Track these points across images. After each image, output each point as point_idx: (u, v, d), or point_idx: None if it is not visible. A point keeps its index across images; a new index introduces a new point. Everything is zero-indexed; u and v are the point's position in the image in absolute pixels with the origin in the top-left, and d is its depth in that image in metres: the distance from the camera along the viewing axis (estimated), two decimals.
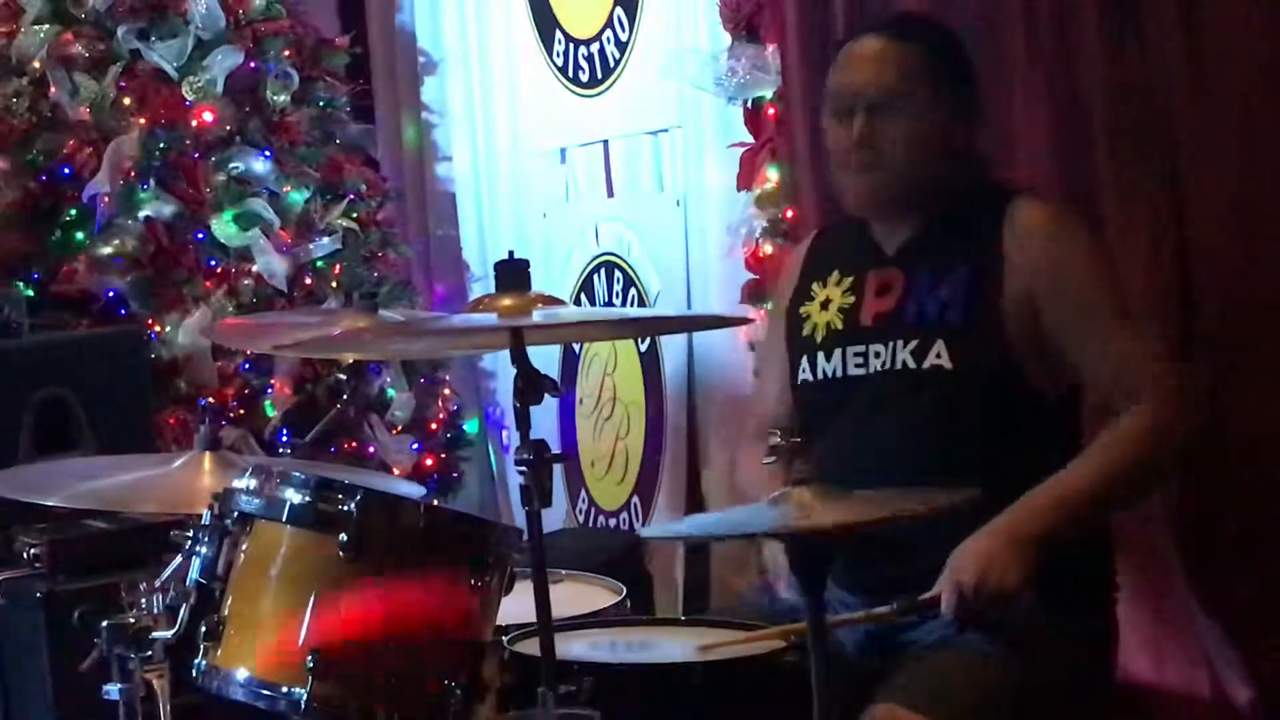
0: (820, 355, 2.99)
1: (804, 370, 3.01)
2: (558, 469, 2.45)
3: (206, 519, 2.54)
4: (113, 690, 2.68)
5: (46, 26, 4.90)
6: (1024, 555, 2.69)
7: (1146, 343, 2.88)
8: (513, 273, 2.60)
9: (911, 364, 2.88)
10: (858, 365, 2.95)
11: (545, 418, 5.02)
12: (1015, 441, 2.82)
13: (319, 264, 5.03)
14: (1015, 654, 2.72)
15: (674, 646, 2.76)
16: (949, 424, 2.83)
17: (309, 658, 2.38)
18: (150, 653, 2.67)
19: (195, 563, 2.55)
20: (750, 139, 4.37)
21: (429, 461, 5.22)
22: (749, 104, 4.36)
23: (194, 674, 2.50)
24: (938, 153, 2.93)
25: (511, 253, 2.69)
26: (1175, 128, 3.37)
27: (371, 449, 5.05)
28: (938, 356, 2.86)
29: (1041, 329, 2.83)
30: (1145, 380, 2.80)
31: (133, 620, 2.66)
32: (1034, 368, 2.84)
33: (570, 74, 5.13)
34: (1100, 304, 2.85)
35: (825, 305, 3.03)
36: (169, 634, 2.64)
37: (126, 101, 4.87)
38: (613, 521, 5.04)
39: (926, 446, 2.82)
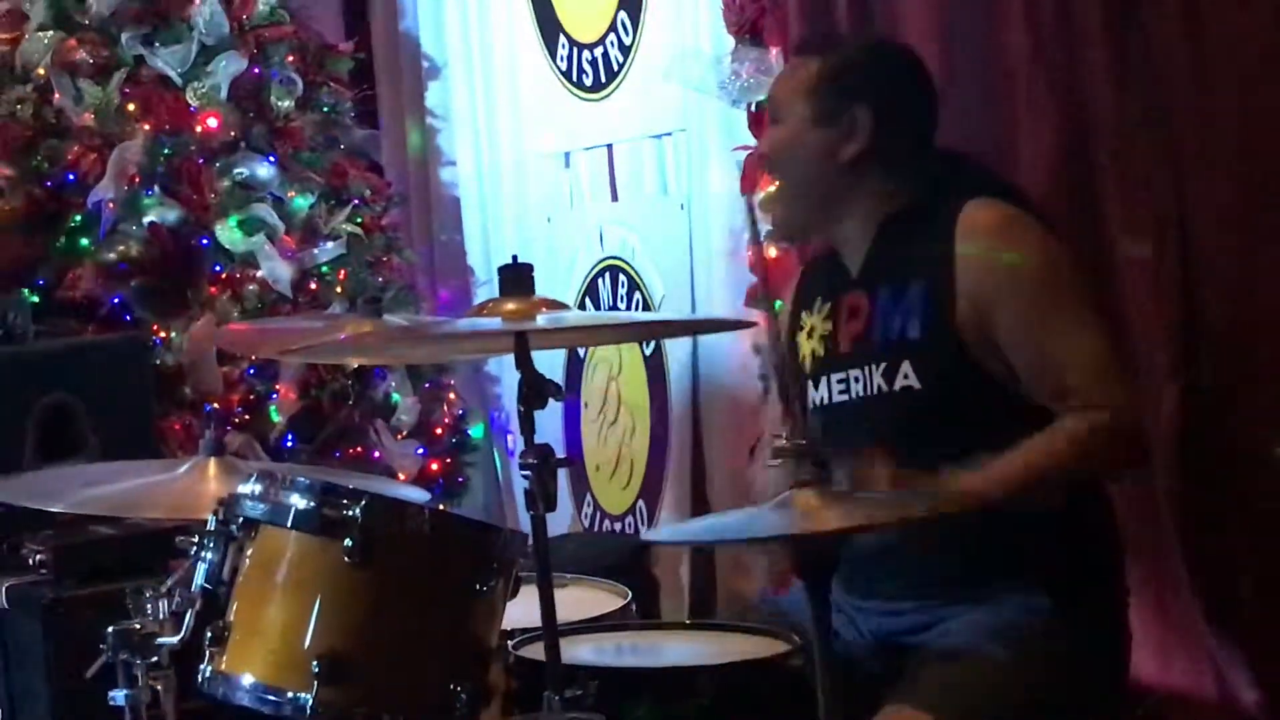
0: (810, 385, 3.00)
1: (808, 398, 3.01)
2: (563, 473, 2.45)
3: (212, 524, 2.54)
4: (118, 696, 2.68)
5: (50, 33, 4.91)
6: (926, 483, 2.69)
7: (1096, 347, 2.81)
8: (516, 277, 2.60)
9: (884, 387, 2.87)
10: (841, 392, 2.94)
11: (550, 422, 5.02)
12: (999, 445, 2.79)
13: (323, 269, 5.03)
14: (1027, 658, 2.72)
15: (680, 651, 2.76)
16: (920, 443, 2.80)
17: (314, 663, 2.38)
18: (156, 658, 2.67)
19: (200, 568, 2.55)
20: (754, 142, 4.37)
21: (434, 466, 5.22)
22: (753, 107, 4.35)
23: (199, 680, 2.50)
24: (822, 169, 2.95)
25: (515, 257, 2.69)
26: (1178, 124, 3.37)
27: (376, 454, 5.05)
28: (905, 377, 2.85)
29: (995, 338, 2.81)
30: (1090, 386, 2.77)
31: (138, 626, 2.66)
32: (1003, 372, 2.82)
33: (574, 78, 5.13)
34: (1047, 311, 2.80)
35: (810, 334, 3.04)
36: (174, 639, 2.64)
37: (131, 107, 4.88)
38: (618, 526, 5.04)
39: (907, 465, 2.79)
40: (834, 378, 2.95)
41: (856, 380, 2.91)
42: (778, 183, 3.02)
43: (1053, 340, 2.79)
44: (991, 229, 2.85)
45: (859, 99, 2.93)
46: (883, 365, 2.87)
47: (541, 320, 2.50)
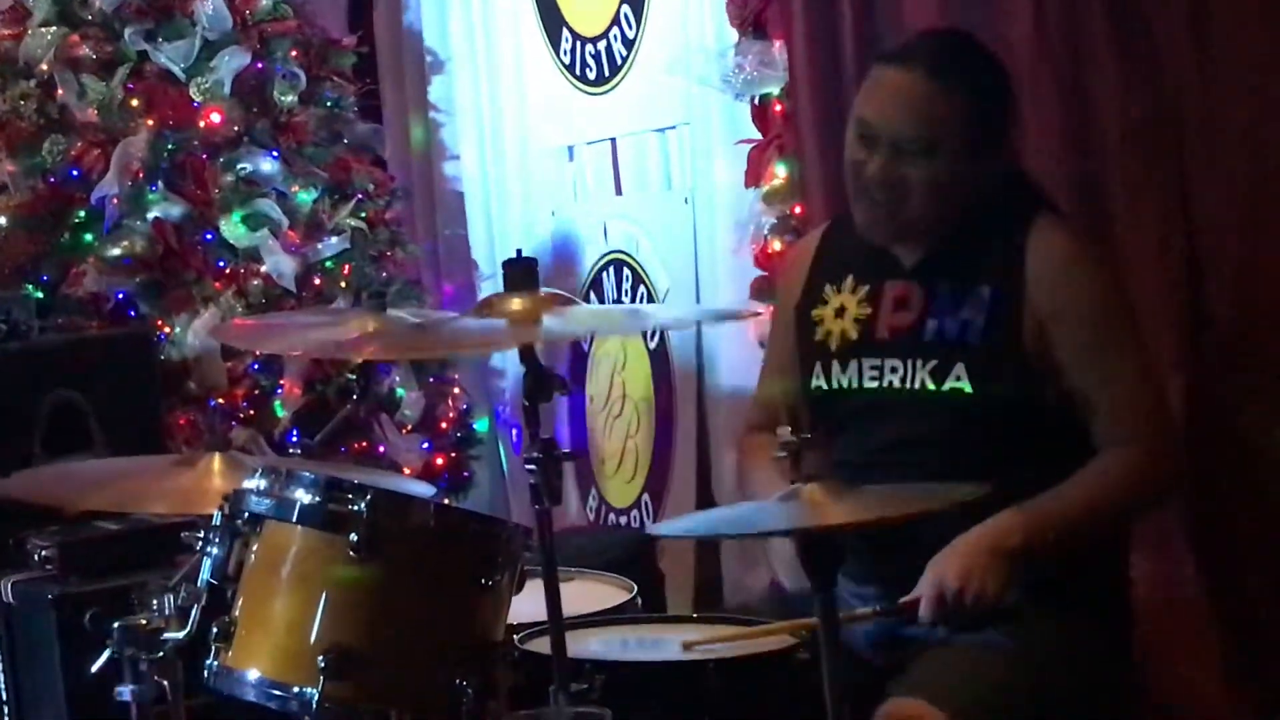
0: (835, 364, 2.97)
1: (817, 376, 2.99)
2: (568, 467, 2.45)
3: (217, 520, 2.54)
4: (124, 691, 2.68)
5: (53, 29, 4.90)
6: (1003, 566, 2.71)
7: (1146, 386, 2.86)
8: (521, 271, 2.60)
9: (931, 385, 2.86)
10: (872, 379, 2.93)
11: (555, 416, 5.03)
12: (1033, 459, 2.80)
13: (327, 264, 5.03)
14: (1031, 649, 2.72)
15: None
16: (964, 446, 2.81)
17: (320, 658, 2.38)
18: (162, 654, 2.67)
19: (206, 563, 2.55)
20: (758, 135, 4.37)
21: (439, 461, 5.22)
22: (756, 100, 4.36)
23: (205, 675, 2.50)
24: (962, 193, 2.89)
25: (519, 251, 2.68)
26: (1184, 125, 3.36)
27: (381, 449, 5.05)
28: (957, 379, 2.84)
29: (1053, 356, 2.82)
30: (1139, 425, 2.81)
31: (144, 621, 2.65)
32: (1052, 389, 2.83)
33: (577, 72, 5.13)
34: (1107, 342, 2.83)
35: (840, 313, 2.99)
36: (180, 635, 2.63)
37: (134, 103, 4.88)
38: (623, 519, 5.04)
39: (941, 466, 2.80)
40: (867, 363, 2.93)
41: (894, 371, 2.90)
42: (891, 207, 2.86)
43: (1109, 372, 2.82)
44: (1068, 252, 2.87)
45: (1004, 115, 2.92)
46: (932, 363, 2.86)
47: (547, 321, 2.49)
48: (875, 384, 2.92)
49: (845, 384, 2.95)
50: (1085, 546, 2.80)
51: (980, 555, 2.70)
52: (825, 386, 2.97)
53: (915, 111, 2.84)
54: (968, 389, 2.83)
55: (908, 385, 2.88)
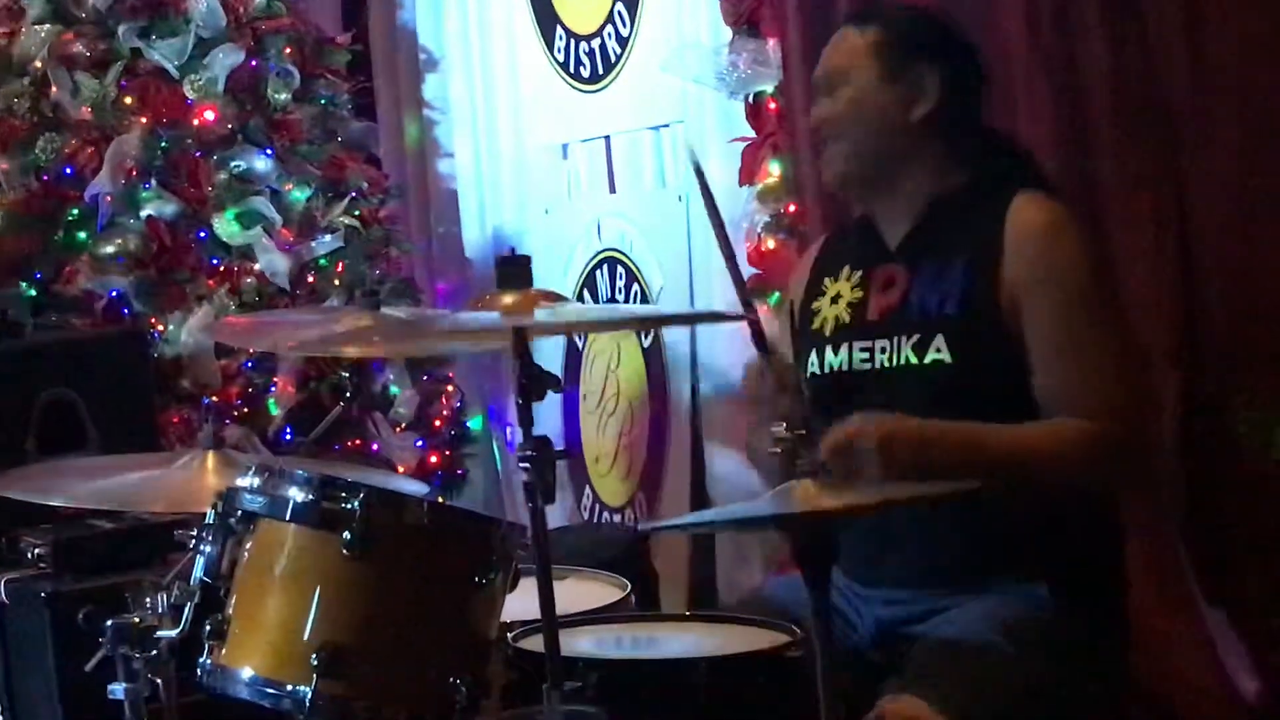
0: (828, 349, 2.99)
1: (812, 363, 3.00)
2: (562, 465, 2.45)
3: (210, 518, 2.54)
4: (118, 690, 2.68)
5: (47, 26, 4.90)
6: (907, 460, 2.68)
7: (1111, 364, 2.81)
8: (515, 269, 2.60)
9: (914, 359, 2.87)
10: (863, 360, 2.94)
11: (549, 414, 5.02)
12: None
13: (321, 262, 5.03)
14: (1027, 647, 2.72)
15: (680, 642, 2.76)
16: (949, 417, 2.81)
17: (314, 656, 2.38)
18: (155, 652, 2.66)
19: (199, 561, 2.54)
20: (752, 134, 4.37)
21: (433, 459, 5.22)
22: (750, 99, 4.36)
23: (199, 673, 2.50)
24: (892, 127, 2.94)
25: (513, 249, 2.68)
26: (1176, 118, 3.37)
27: (375, 447, 5.05)
28: (938, 350, 2.85)
29: (1021, 327, 2.82)
30: (1101, 404, 2.77)
31: (137, 620, 2.65)
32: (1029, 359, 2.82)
33: (571, 70, 5.12)
34: (1073, 315, 2.81)
35: (835, 300, 3.02)
36: (174, 633, 2.63)
37: (128, 101, 4.88)
38: (617, 517, 5.04)
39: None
40: (857, 345, 2.95)
41: (883, 350, 2.91)
42: (837, 140, 2.99)
43: (1071, 345, 2.79)
44: (1044, 224, 2.86)
45: (927, 58, 2.95)
46: (915, 338, 2.87)
47: (540, 315, 2.50)
48: (866, 365, 2.93)
49: (837, 365, 2.96)
50: (1000, 484, 2.75)
51: (903, 440, 2.69)
52: (819, 370, 2.98)
53: (834, 52, 3.04)
54: (948, 359, 2.83)
55: (894, 362, 2.89)
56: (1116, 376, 2.81)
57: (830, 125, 3.01)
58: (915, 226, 2.96)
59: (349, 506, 2.42)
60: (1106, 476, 2.88)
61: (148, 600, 2.67)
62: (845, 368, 2.96)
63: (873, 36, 2.98)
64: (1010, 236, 2.84)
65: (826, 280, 3.07)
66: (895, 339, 2.90)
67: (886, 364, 2.91)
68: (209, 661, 2.48)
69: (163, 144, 4.85)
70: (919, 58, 2.96)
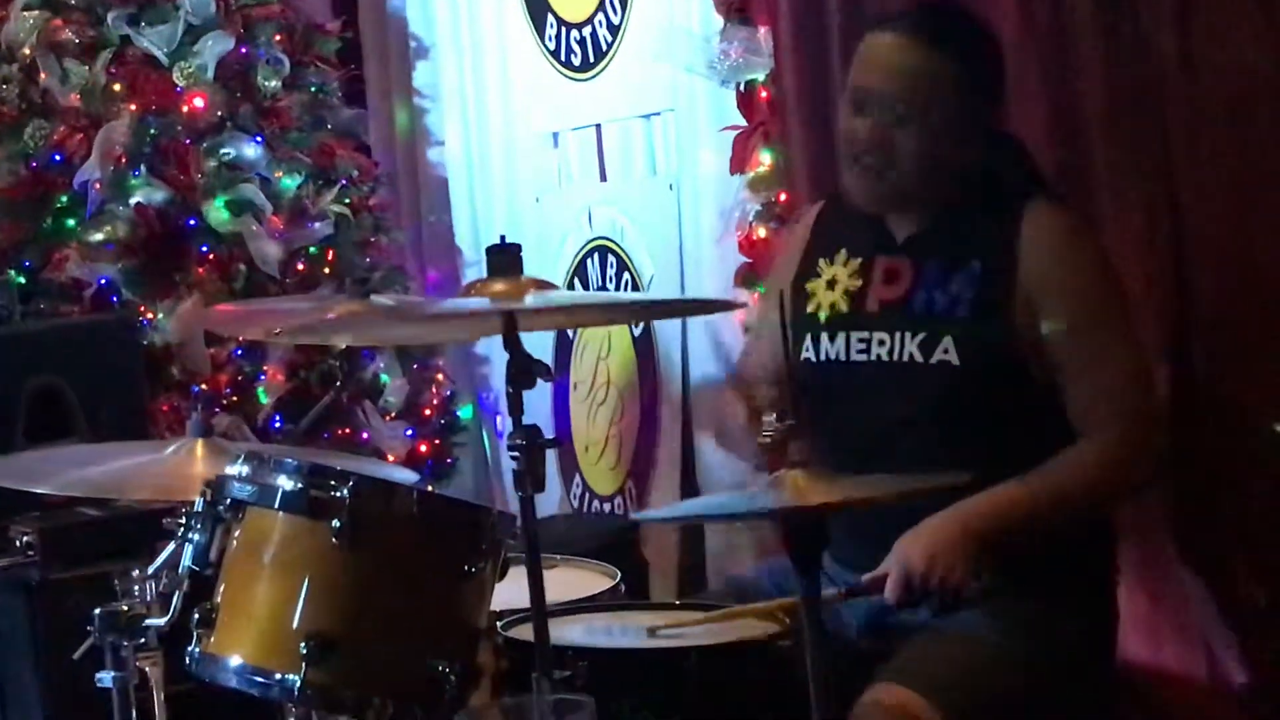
0: (824, 336, 2.97)
1: (806, 349, 2.99)
2: (552, 454, 2.44)
3: (199, 506, 2.54)
4: (106, 678, 2.67)
5: (36, 13, 4.89)
6: (970, 550, 2.70)
7: (1130, 373, 2.84)
8: (505, 257, 2.59)
9: (919, 357, 2.86)
10: (860, 351, 2.93)
11: (539, 403, 5.02)
12: (1018, 436, 2.81)
13: (311, 250, 5.02)
14: (1015, 638, 2.72)
15: (669, 631, 2.75)
16: (952, 419, 2.81)
17: (303, 644, 2.37)
18: (144, 640, 2.67)
19: (188, 550, 2.54)
20: (743, 122, 4.36)
21: (423, 447, 5.22)
22: (742, 87, 4.35)
23: (187, 661, 2.50)
24: (951, 161, 2.89)
25: (503, 237, 2.68)
26: (1169, 112, 3.36)
27: (365, 435, 5.04)
28: (945, 352, 2.84)
29: (1039, 335, 2.82)
30: (1116, 414, 2.79)
31: (126, 608, 2.65)
32: (1038, 366, 2.82)
33: (562, 58, 5.11)
34: (1093, 325, 2.82)
35: (831, 285, 3.00)
36: (162, 621, 2.63)
37: (117, 88, 4.86)
38: (607, 506, 5.04)
39: (928, 439, 2.81)
40: (854, 335, 2.93)
41: (882, 344, 2.90)
42: (883, 174, 2.87)
43: (1091, 352, 2.81)
44: (1062, 232, 2.86)
45: (996, 85, 2.96)
46: (920, 336, 2.86)
47: (529, 301, 2.49)
48: (864, 357, 2.92)
49: (834, 355, 2.95)
50: (1056, 533, 2.79)
51: (947, 538, 2.70)
52: (814, 359, 2.97)
53: (905, 73, 2.87)
54: (955, 362, 2.83)
55: (896, 358, 2.88)
56: (1136, 387, 2.85)
57: (888, 159, 2.88)
58: (927, 224, 2.94)
59: (338, 495, 2.42)
60: (1136, 487, 2.92)
61: (136, 588, 2.67)
62: (842, 357, 2.95)
63: (950, 62, 2.86)
64: (1026, 244, 2.83)
65: (821, 262, 3.04)
66: (898, 334, 2.89)
67: (886, 358, 2.90)
68: (197, 650, 2.48)
69: (152, 131, 4.84)
70: (996, 83, 2.95)
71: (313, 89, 5.18)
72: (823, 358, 2.97)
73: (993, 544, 2.72)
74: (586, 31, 5.01)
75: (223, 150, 4.90)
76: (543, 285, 2.62)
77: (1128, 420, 2.80)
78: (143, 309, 4.78)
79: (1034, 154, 3.11)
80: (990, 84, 2.95)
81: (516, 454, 2.39)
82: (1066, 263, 2.84)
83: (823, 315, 2.99)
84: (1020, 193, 2.90)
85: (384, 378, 5.15)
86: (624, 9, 4.85)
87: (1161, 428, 2.94)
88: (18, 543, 3.78)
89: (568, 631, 2.68)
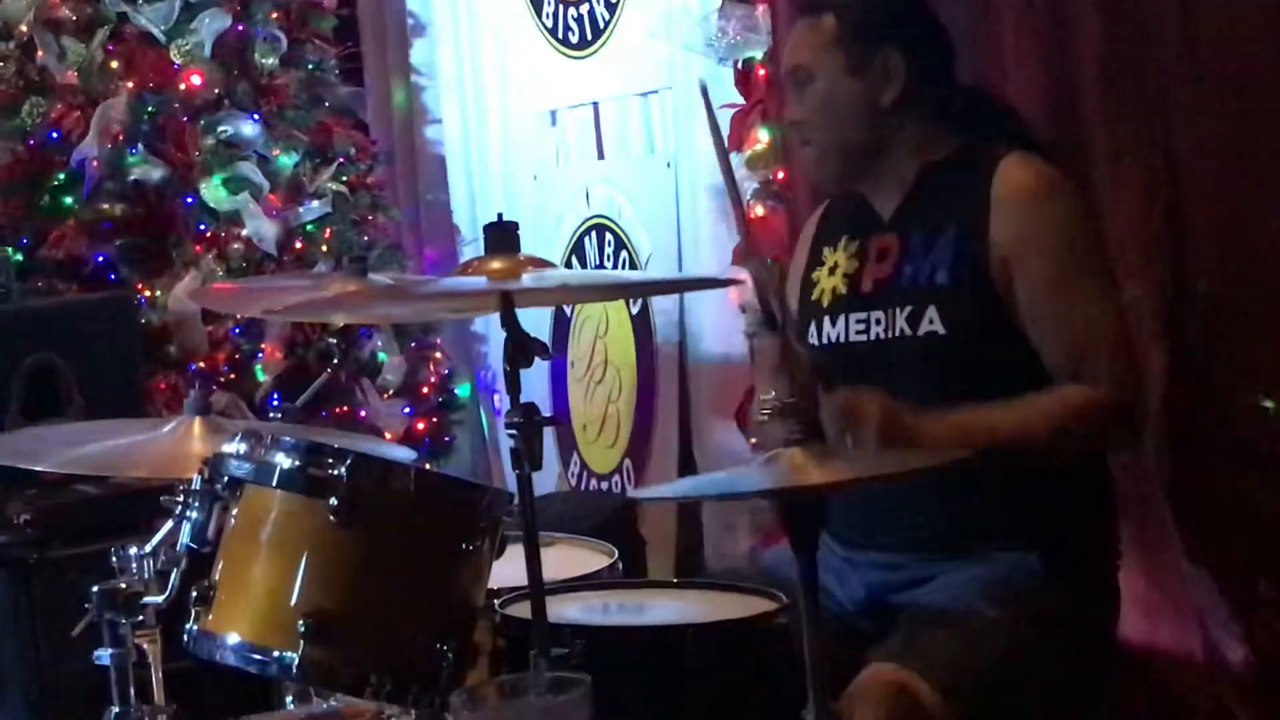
0: (826, 320, 2.98)
1: (811, 334, 3.00)
2: (549, 432, 2.44)
3: (197, 484, 2.53)
4: (103, 655, 2.67)
5: None
6: (897, 426, 2.66)
7: (1107, 323, 2.80)
8: (502, 235, 2.59)
9: (909, 331, 2.86)
10: (859, 332, 2.93)
11: (536, 381, 5.02)
12: (1014, 397, 2.79)
13: (309, 228, 5.02)
14: (1015, 617, 2.72)
15: (666, 610, 2.76)
16: (947, 388, 2.80)
17: (300, 622, 2.37)
18: (141, 618, 2.66)
19: (186, 528, 2.54)
20: (741, 100, 4.36)
21: (420, 426, 5.22)
22: (739, 65, 4.34)
23: (185, 639, 2.50)
24: (864, 118, 2.92)
25: (501, 215, 2.67)
26: (1166, 84, 3.36)
27: (362, 413, 5.04)
28: (930, 322, 2.84)
29: (1012, 292, 2.81)
30: (1096, 363, 2.77)
31: (123, 585, 2.65)
32: (1024, 323, 2.81)
33: (560, 35, 5.11)
34: (1068, 277, 2.80)
35: (833, 271, 3.01)
36: (160, 599, 2.63)
37: (114, 65, 4.86)
38: (604, 484, 5.04)
39: (927, 411, 2.80)
40: (853, 317, 2.94)
41: (878, 322, 2.91)
42: (813, 142, 2.98)
43: (1068, 308, 2.78)
44: (1031, 186, 2.84)
45: (887, 42, 2.92)
46: (908, 309, 2.86)
47: (526, 280, 2.49)
48: (862, 337, 2.92)
49: (835, 338, 2.96)
50: (1015, 461, 2.76)
51: (901, 428, 2.67)
52: (818, 343, 2.98)
53: (798, 46, 3.00)
54: (941, 331, 2.82)
55: (890, 335, 2.88)
56: (1114, 339, 2.80)
57: (804, 127, 2.99)
58: (906, 196, 2.95)
59: (336, 473, 2.42)
60: (1109, 441, 2.89)
61: (134, 566, 2.67)
62: (843, 340, 2.95)
63: (830, 27, 2.95)
64: (997, 200, 2.83)
65: (825, 250, 3.06)
66: (889, 311, 2.89)
67: (882, 335, 2.90)
68: (195, 627, 2.47)
69: (149, 109, 4.84)
70: (880, 42, 2.93)
71: (310, 67, 5.17)
72: (824, 341, 2.97)
73: (921, 444, 2.67)
74: (584, 9, 5.00)
75: (220, 128, 4.90)
76: (540, 263, 2.62)
77: (1108, 372, 2.76)
78: (140, 286, 4.78)
79: (1017, 109, 3.10)
80: (884, 35, 2.93)
81: (514, 432, 2.39)
82: (1034, 216, 2.81)
83: (825, 300, 3.00)
84: (993, 148, 2.89)
85: (381, 356, 5.15)
86: None
87: (1141, 380, 2.89)
88: (15, 520, 3.78)
89: (565, 610, 2.68)
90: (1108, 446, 2.92)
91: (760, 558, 3.09)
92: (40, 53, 4.87)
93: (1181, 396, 3.29)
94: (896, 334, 2.88)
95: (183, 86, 4.87)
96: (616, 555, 3.07)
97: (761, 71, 4.27)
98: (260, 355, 4.87)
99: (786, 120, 3.05)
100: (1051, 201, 2.84)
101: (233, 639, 2.44)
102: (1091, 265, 2.84)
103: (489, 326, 5.48)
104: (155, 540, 2.65)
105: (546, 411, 2.42)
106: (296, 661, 2.38)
